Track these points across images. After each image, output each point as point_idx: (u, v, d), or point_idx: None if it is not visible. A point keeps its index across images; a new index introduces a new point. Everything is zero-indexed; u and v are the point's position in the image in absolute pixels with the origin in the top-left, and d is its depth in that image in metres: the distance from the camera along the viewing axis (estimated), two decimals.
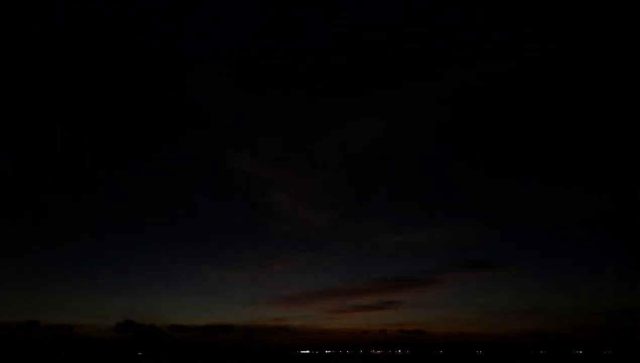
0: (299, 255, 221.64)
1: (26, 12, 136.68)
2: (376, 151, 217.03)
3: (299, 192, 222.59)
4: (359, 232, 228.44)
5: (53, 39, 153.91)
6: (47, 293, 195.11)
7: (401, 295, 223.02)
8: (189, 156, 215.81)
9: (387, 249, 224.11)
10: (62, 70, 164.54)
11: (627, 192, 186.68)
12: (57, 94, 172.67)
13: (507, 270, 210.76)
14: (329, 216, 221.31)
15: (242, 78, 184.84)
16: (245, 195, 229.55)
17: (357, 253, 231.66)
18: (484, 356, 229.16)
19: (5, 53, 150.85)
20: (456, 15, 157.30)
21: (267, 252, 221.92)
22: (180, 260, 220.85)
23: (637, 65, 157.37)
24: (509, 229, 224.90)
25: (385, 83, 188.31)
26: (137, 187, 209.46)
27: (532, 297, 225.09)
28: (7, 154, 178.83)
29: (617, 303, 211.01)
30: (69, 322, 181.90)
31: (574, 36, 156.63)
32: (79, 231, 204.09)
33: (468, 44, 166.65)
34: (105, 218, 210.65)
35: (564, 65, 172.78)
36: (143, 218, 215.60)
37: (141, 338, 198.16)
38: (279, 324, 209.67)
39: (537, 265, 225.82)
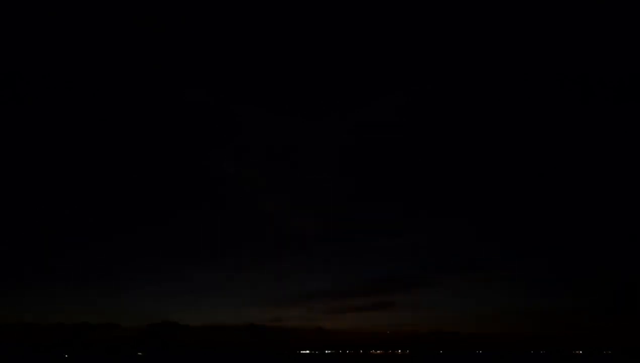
0: (291, 257, 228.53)
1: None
2: (365, 154, 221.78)
3: (291, 196, 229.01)
4: (350, 234, 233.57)
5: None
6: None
7: (400, 296, 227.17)
8: (186, 165, 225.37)
9: (379, 251, 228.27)
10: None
11: None
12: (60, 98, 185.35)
13: (500, 272, 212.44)
14: (320, 219, 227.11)
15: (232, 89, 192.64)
16: (240, 200, 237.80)
17: (349, 256, 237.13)
18: (483, 356, 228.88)
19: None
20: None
21: (262, 254, 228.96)
22: (178, 263, 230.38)
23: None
24: (500, 231, 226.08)
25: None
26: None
27: (524, 297, 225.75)
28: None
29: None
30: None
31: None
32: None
33: None
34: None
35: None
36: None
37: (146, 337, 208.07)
38: (277, 325, 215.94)
39: (529, 266, 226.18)
